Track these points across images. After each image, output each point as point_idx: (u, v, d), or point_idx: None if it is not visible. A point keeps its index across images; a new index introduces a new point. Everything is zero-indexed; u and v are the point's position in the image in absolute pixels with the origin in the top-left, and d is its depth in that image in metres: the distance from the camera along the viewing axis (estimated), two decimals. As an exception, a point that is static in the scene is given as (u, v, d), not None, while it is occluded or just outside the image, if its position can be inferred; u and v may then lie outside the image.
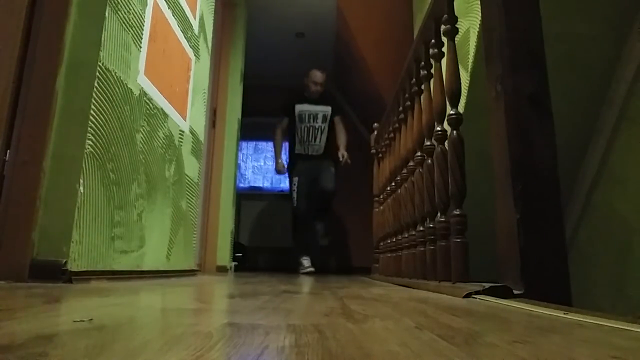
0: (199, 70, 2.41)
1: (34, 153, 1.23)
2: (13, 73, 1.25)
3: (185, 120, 2.17)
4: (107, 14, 1.36)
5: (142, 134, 1.64)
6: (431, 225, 1.46)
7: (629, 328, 0.54)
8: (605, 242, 2.04)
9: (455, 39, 1.38)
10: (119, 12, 1.43)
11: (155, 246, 1.78)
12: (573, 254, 2.14)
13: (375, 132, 3.00)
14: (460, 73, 1.37)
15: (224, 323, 0.57)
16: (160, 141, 1.83)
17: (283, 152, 4.15)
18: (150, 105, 1.71)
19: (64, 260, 1.17)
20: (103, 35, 1.34)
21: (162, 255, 1.88)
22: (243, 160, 5.93)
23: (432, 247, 1.42)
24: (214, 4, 2.73)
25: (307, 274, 3.61)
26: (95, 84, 1.31)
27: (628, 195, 1.90)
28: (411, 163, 1.84)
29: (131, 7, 1.52)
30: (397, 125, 2.21)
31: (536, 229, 0.96)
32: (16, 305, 0.70)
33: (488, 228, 1.18)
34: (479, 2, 1.28)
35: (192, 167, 2.33)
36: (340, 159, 3.97)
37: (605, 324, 0.57)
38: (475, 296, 0.97)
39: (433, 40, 1.52)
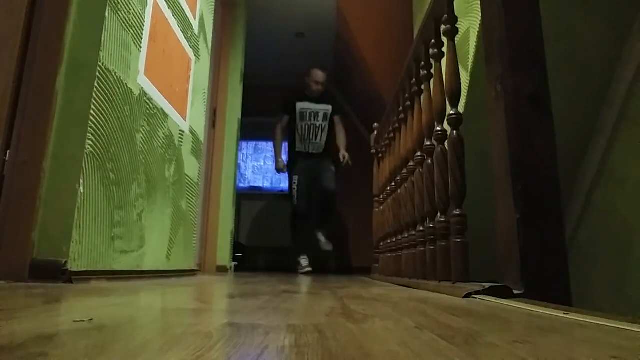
0: (199, 70, 2.41)
1: (34, 153, 1.23)
2: (13, 73, 1.25)
3: (185, 120, 2.17)
4: (107, 14, 1.36)
5: (142, 134, 1.64)
6: (431, 225, 1.46)
7: (629, 328, 0.53)
8: (605, 242, 2.04)
9: (455, 39, 1.37)
10: (119, 12, 1.43)
11: (155, 246, 1.78)
12: (573, 254, 2.14)
13: (375, 132, 3.00)
14: (460, 73, 1.37)
15: (224, 323, 0.57)
16: (160, 141, 1.83)
17: (283, 151, 4.15)
18: (150, 105, 1.71)
19: (64, 260, 1.17)
20: (103, 35, 1.34)
21: (162, 255, 1.88)
22: (243, 160, 5.93)
23: (432, 247, 1.42)
24: (214, 4, 2.73)
25: (306, 273, 3.62)
26: (95, 84, 1.31)
27: (628, 195, 1.90)
28: (411, 163, 1.84)
29: (131, 7, 1.52)
30: (397, 125, 2.21)
31: (536, 229, 0.96)
32: (16, 305, 0.70)
33: (488, 228, 1.18)
34: (479, 2, 1.28)
35: (192, 167, 2.33)
36: (341, 159, 3.98)
37: (605, 324, 0.57)
38: (475, 296, 0.97)
39: (433, 40, 1.52)
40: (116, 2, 1.42)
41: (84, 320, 0.52)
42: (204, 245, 3.19)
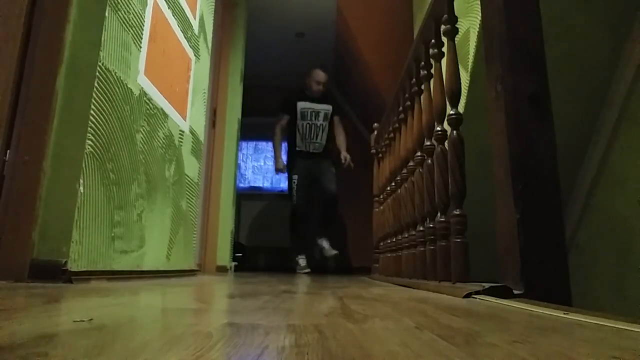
0: (199, 70, 2.41)
1: (34, 153, 1.23)
2: (13, 73, 1.25)
3: (185, 120, 2.17)
4: (107, 14, 1.36)
5: (142, 134, 1.64)
6: (431, 225, 1.46)
7: (629, 328, 0.53)
8: (605, 242, 2.04)
9: (455, 39, 1.37)
10: (119, 12, 1.43)
11: (155, 246, 1.78)
12: (573, 254, 2.14)
13: (375, 132, 3.00)
14: (460, 73, 1.37)
15: (224, 323, 0.57)
16: (160, 141, 1.83)
17: (282, 151, 4.16)
18: (150, 105, 1.71)
19: (64, 260, 1.17)
20: (103, 35, 1.34)
21: (162, 255, 1.88)
22: (243, 160, 5.93)
23: (432, 247, 1.42)
24: (214, 4, 2.73)
25: (306, 274, 3.62)
26: (95, 84, 1.31)
27: (628, 195, 1.90)
28: (411, 163, 1.84)
29: (131, 7, 1.52)
30: (397, 125, 2.21)
31: (536, 229, 0.96)
32: (16, 305, 0.70)
33: (488, 228, 1.18)
34: (479, 2, 1.28)
35: (192, 167, 2.33)
36: (343, 161, 4.00)
37: (605, 324, 0.57)
38: (475, 296, 0.97)
39: (433, 40, 1.52)
40: (116, 2, 1.42)
41: (84, 320, 0.52)
42: (204, 245, 3.19)
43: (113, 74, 1.40)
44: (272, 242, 5.38)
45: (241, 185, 5.73)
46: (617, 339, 0.49)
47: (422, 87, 1.70)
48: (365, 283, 2.04)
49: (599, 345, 0.46)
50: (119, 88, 1.44)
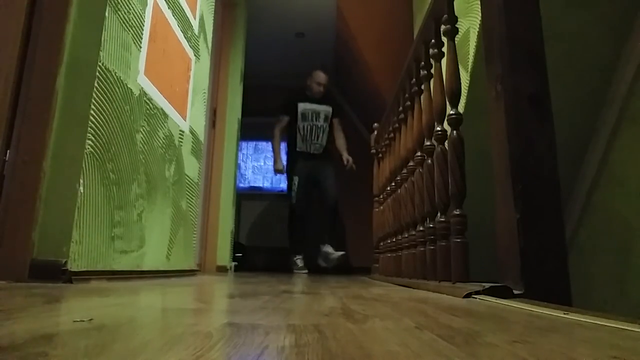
0: (199, 70, 2.40)
1: (34, 153, 1.23)
2: (13, 73, 1.25)
3: (185, 120, 2.17)
4: (107, 14, 1.36)
5: (142, 134, 1.64)
6: (431, 225, 1.46)
7: (629, 328, 0.53)
8: (605, 242, 2.04)
9: (455, 39, 1.38)
10: (119, 12, 1.43)
11: (155, 246, 1.78)
12: (573, 254, 2.14)
13: (375, 132, 3.00)
14: (460, 73, 1.37)
15: (224, 323, 0.57)
16: (160, 141, 1.83)
17: (282, 152, 4.16)
18: (150, 105, 1.71)
19: (64, 260, 1.17)
20: (103, 35, 1.34)
21: (162, 255, 1.88)
22: (243, 160, 5.93)
23: (432, 247, 1.42)
24: (214, 4, 2.73)
25: (305, 274, 3.62)
26: (95, 84, 1.31)
27: (628, 195, 1.90)
28: (411, 163, 1.84)
29: (131, 7, 1.52)
30: (397, 125, 2.21)
31: (536, 229, 0.96)
32: (16, 305, 0.70)
33: (488, 228, 1.18)
34: (479, 2, 1.28)
35: (192, 167, 2.33)
36: (345, 163, 4.01)
37: (605, 324, 0.57)
38: (475, 296, 0.97)
39: (433, 40, 1.52)
40: (116, 2, 1.42)
41: (84, 320, 0.52)
42: (204, 245, 3.19)
43: (113, 73, 1.40)
44: (272, 242, 5.38)
45: (241, 185, 5.73)
46: (617, 339, 0.49)
47: (422, 87, 1.70)
48: (365, 283, 2.04)
49: (599, 345, 0.46)
50: (119, 88, 1.44)
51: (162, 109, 1.83)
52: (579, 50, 1.94)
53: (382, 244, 2.57)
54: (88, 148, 1.27)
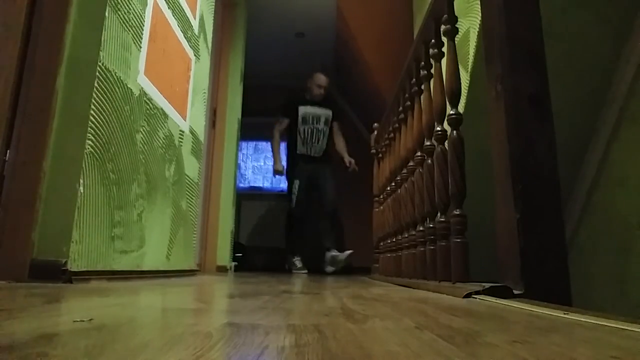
0: (199, 70, 2.40)
1: (34, 153, 1.23)
2: (13, 73, 1.25)
3: (185, 120, 2.17)
4: (107, 14, 1.36)
5: (142, 134, 1.64)
6: (431, 225, 1.46)
7: (629, 328, 0.53)
8: (605, 242, 2.04)
9: (455, 39, 1.37)
10: (119, 12, 1.43)
11: (155, 246, 1.78)
12: (573, 254, 2.14)
13: (375, 132, 3.00)
14: (460, 73, 1.37)
15: (224, 323, 0.57)
16: (160, 141, 1.83)
17: (282, 153, 4.16)
18: (150, 105, 1.71)
19: (64, 260, 1.17)
20: (103, 35, 1.34)
21: (162, 255, 1.88)
22: (243, 160, 5.93)
23: (432, 247, 1.42)
24: (214, 4, 2.73)
25: (304, 274, 3.62)
26: (95, 84, 1.31)
27: (628, 195, 1.90)
28: (411, 163, 1.84)
29: (131, 7, 1.52)
30: (397, 125, 2.21)
31: (536, 229, 0.96)
32: (16, 305, 0.70)
33: (488, 228, 1.18)
34: (479, 2, 1.28)
35: (192, 167, 2.33)
36: (347, 165, 4.03)
37: (605, 324, 0.57)
38: (475, 296, 0.97)
39: (433, 40, 1.52)
40: (116, 2, 1.42)
41: (84, 320, 0.52)
42: (204, 245, 3.19)
43: (113, 73, 1.40)
44: (272, 242, 5.37)
45: (241, 185, 5.73)
46: (617, 339, 0.49)
47: (422, 87, 1.70)
48: (365, 283, 2.04)
49: (599, 345, 0.46)
50: (119, 88, 1.44)
51: (162, 109, 1.83)
52: (579, 50, 1.94)
53: (382, 244, 2.57)
54: (88, 148, 1.27)
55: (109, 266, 1.39)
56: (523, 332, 0.55)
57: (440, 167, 1.37)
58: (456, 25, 1.38)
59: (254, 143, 6.00)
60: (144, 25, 1.63)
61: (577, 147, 2.11)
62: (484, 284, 1.02)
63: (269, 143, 4.26)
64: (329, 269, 3.75)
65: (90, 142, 1.28)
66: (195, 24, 2.29)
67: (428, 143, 1.54)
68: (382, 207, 2.66)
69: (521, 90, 1.04)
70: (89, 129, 1.28)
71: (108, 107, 1.38)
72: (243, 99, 3.76)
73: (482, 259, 1.35)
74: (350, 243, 5.54)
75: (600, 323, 0.58)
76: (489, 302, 0.88)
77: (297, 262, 3.91)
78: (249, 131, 5.11)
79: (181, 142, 2.12)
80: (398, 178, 2.12)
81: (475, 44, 1.94)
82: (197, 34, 2.33)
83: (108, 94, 1.38)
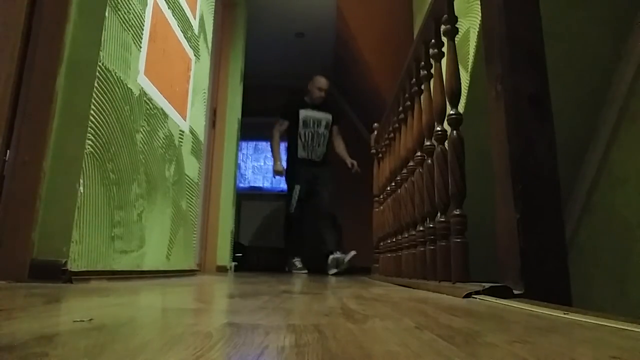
0: (199, 70, 2.40)
1: (34, 153, 1.23)
2: (13, 73, 1.25)
3: (185, 120, 2.17)
4: (107, 14, 1.36)
5: (142, 134, 1.64)
6: (431, 225, 1.46)
7: (629, 328, 0.53)
8: (605, 242, 2.04)
9: (455, 39, 1.37)
10: (119, 12, 1.43)
11: (155, 246, 1.78)
12: (573, 254, 2.14)
13: (375, 132, 3.00)
14: (460, 73, 1.37)
15: (224, 323, 0.57)
16: (160, 141, 1.83)
17: (281, 154, 4.17)
18: (150, 105, 1.71)
19: (64, 260, 1.17)
20: (103, 35, 1.34)
21: (162, 255, 1.88)
22: (243, 160, 5.93)
23: (432, 247, 1.42)
24: (214, 4, 2.73)
25: (304, 274, 3.62)
26: (95, 84, 1.31)
27: (628, 195, 1.90)
28: (411, 163, 1.84)
29: (131, 7, 1.52)
30: (397, 125, 2.21)
31: (536, 229, 0.96)
32: (16, 305, 0.70)
33: (488, 228, 1.18)
34: (479, 2, 1.28)
35: (192, 167, 2.33)
36: (350, 166, 4.06)
37: (605, 324, 0.57)
38: (475, 296, 0.97)
39: (433, 40, 1.52)
40: (116, 2, 1.42)
41: (84, 320, 0.52)
42: (204, 245, 3.19)
43: (113, 73, 1.40)
44: (272, 242, 5.38)
45: (241, 185, 5.73)
46: (617, 339, 0.49)
47: (422, 87, 1.70)
48: (365, 283, 2.04)
49: (599, 345, 0.46)
50: (119, 88, 1.44)
51: (162, 109, 1.83)
52: (579, 50, 1.94)
53: (382, 244, 2.57)
54: (88, 148, 1.27)
55: (109, 266, 1.39)
56: (523, 332, 0.55)
57: (440, 167, 1.37)
58: (456, 25, 1.38)
59: (254, 143, 6.00)
60: (144, 25, 1.63)
61: (577, 147, 2.11)
62: (484, 284, 1.02)
63: (269, 143, 4.26)
64: (332, 270, 3.74)
65: (90, 142, 1.28)
66: (195, 24, 2.29)
67: (428, 143, 1.54)
68: (382, 207, 2.66)
69: (521, 90, 1.04)
70: (89, 129, 1.28)
71: (108, 107, 1.38)
72: (243, 99, 3.77)
73: (482, 259, 1.35)
74: (350, 243, 5.54)
75: (600, 323, 0.58)
76: (489, 302, 0.88)
77: (297, 262, 3.91)
78: (249, 131, 5.11)
79: (181, 142, 2.12)
80: (398, 178, 2.12)
81: (475, 44, 1.94)
82: (197, 34, 2.33)
83: (108, 94, 1.38)
